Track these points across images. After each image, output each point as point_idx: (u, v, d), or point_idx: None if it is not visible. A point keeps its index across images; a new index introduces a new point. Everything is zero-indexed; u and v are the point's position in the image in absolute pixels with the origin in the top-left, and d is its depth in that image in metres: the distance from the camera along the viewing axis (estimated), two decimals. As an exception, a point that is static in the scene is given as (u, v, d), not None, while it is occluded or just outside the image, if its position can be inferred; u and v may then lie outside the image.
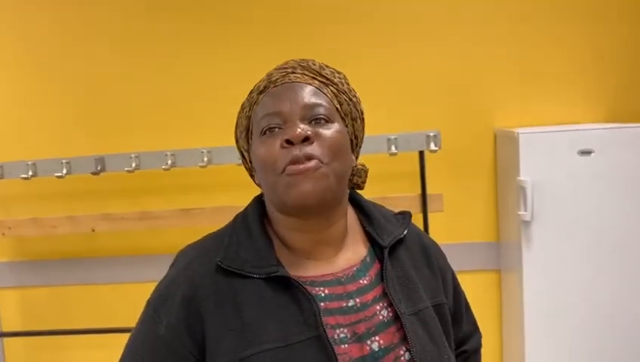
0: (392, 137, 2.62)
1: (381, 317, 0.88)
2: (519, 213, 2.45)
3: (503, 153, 2.75)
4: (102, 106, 2.98)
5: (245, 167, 0.99)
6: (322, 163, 0.82)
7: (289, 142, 0.82)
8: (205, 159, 2.73)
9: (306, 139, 0.82)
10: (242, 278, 0.85)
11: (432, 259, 1.01)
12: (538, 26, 2.79)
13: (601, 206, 2.41)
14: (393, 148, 2.61)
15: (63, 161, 2.79)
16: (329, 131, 0.85)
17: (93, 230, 2.91)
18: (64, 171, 2.78)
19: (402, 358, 0.86)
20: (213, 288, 0.85)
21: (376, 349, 0.86)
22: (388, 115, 2.80)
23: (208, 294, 0.85)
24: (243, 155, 0.97)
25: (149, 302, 0.90)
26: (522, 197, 2.44)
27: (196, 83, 2.93)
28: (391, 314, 0.88)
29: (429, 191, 2.73)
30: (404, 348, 0.86)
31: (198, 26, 2.91)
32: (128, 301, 2.96)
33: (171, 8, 2.91)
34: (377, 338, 0.86)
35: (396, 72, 2.83)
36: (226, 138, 2.83)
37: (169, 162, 2.74)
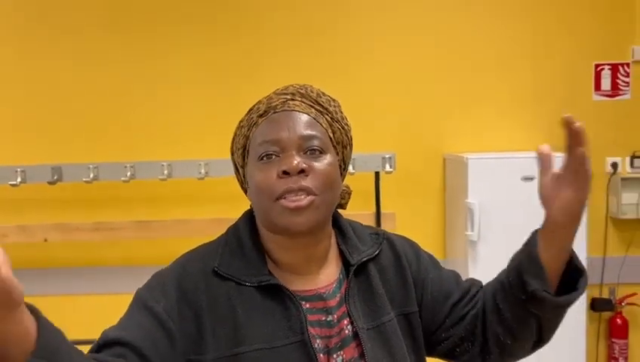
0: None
1: (347, 332, 0.92)
2: (467, 233, 2.51)
3: (452, 176, 2.81)
4: (61, 115, 2.90)
5: (238, 180, 1.01)
6: (315, 194, 0.87)
7: (286, 173, 0.86)
8: (165, 172, 2.67)
9: (301, 171, 0.87)
10: (236, 284, 0.90)
11: (404, 269, 1.01)
12: (484, 62, 2.91)
13: (541, 228, 2.49)
14: (351, 168, 2.64)
15: (18, 169, 2.68)
16: (322, 164, 0.89)
17: (46, 240, 2.79)
18: (18, 179, 2.66)
19: None
20: (208, 287, 0.89)
21: None
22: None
23: (204, 291, 0.89)
24: (237, 169, 0.99)
25: (142, 290, 0.91)
26: (470, 218, 2.50)
27: (157, 95, 2.89)
28: (354, 330, 0.92)
29: (382, 210, 2.76)
30: None
31: (158, 40, 2.88)
32: (82, 312, 2.84)
33: (132, 20, 2.88)
34: (342, 352, 0.91)
35: (356, 98, 2.87)
36: (187, 152, 2.81)
37: (128, 174, 2.67)
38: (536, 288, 0.88)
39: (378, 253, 1.00)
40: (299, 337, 0.87)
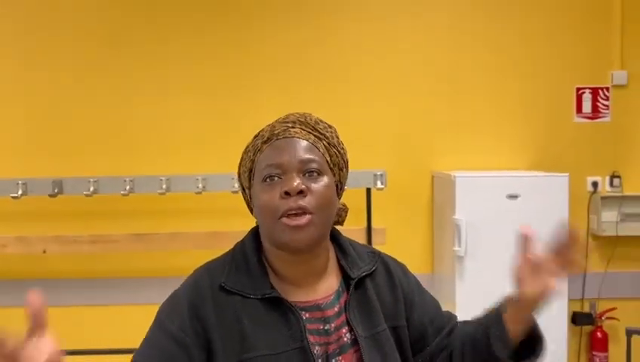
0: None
1: (345, 340, 1.00)
2: (454, 248, 2.53)
3: (440, 194, 2.84)
4: (62, 129, 2.93)
5: (245, 200, 1.08)
6: (312, 213, 0.95)
7: (287, 193, 0.94)
8: (164, 186, 2.67)
9: (301, 192, 0.95)
10: (241, 297, 0.98)
11: (396, 287, 1.09)
12: (472, 85, 2.99)
13: (525, 245, 2.50)
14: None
15: (20, 181, 2.67)
16: (319, 185, 0.97)
17: (45, 251, 2.77)
18: (20, 192, 2.65)
19: None
20: (216, 302, 0.97)
21: None
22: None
23: (213, 305, 0.97)
24: (244, 190, 1.07)
25: (160, 311, 1.00)
26: (457, 234, 2.51)
27: (157, 111, 2.93)
28: (352, 338, 1.00)
29: (373, 225, 2.77)
30: None
31: (157, 56, 2.92)
32: (80, 323, 2.82)
33: (130, 36, 2.91)
34: (340, 358, 0.99)
35: (350, 119, 2.92)
36: (185, 166, 2.82)
37: (128, 188, 2.67)
38: (500, 353, 0.97)
39: (374, 270, 1.07)
40: (299, 344, 0.95)
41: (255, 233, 1.05)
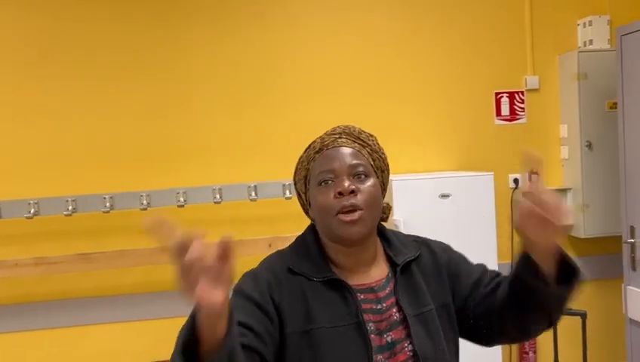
0: (287, 183, 2.66)
1: (394, 318, 1.11)
2: (394, 247, 2.57)
3: (378, 197, 2.87)
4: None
5: (300, 203, 1.21)
6: (362, 209, 1.08)
7: (340, 193, 1.08)
8: (108, 205, 2.57)
9: (352, 192, 1.08)
10: (306, 279, 1.11)
11: (441, 267, 1.20)
12: (403, 95, 3.05)
13: (459, 238, 2.57)
14: (288, 192, 2.65)
15: (-46, 208, 2.48)
16: (366, 185, 1.11)
17: (-16, 278, 2.59)
18: (-46, 218, 2.47)
19: (407, 349, 1.10)
20: (286, 280, 1.10)
21: (390, 341, 1.10)
22: (283, 163, 2.82)
23: (283, 284, 1.10)
24: (299, 195, 1.20)
25: (241, 285, 1.09)
26: (396, 234, 2.56)
27: (95, 127, 2.81)
28: (401, 317, 1.11)
29: (316, 230, 2.78)
30: (408, 341, 1.10)
31: (90, 72, 2.80)
32: (27, 348, 2.65)
33: (67, 51, 2.78)
34: (391, 333, 1.10)
35: (291, 129, 2.90)
36: (130, 184, 2.73)
37: (70, 208, 2.54)
38: (534, 281, 1.03)
39: (419, 256, 1.18)
40: (355, 320, 1.07)
41: (312, 229, 1.17)
